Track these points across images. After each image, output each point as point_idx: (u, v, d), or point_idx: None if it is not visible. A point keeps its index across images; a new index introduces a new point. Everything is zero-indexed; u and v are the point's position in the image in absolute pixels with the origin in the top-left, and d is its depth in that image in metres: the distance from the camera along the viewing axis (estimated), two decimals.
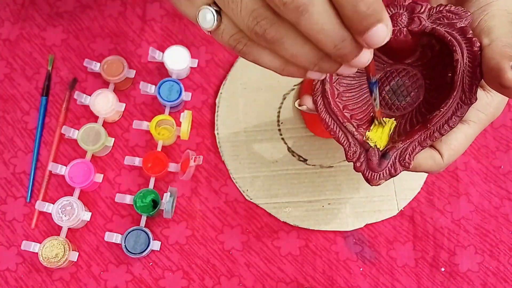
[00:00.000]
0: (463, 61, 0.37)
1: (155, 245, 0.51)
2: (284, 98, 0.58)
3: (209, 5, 0.31)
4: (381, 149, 0.39)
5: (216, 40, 0.32)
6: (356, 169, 0.39)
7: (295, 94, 0.58)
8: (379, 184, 0.39)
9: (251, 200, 0.55)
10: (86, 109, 0.57)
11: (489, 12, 0.39)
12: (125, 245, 0.51)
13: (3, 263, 0.53)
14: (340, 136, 0.40)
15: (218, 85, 0.59)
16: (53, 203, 0.52)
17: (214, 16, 0.30)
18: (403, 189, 0.55)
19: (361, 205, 0.55)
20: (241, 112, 0.58)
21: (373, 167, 0.39)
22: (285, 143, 0.57)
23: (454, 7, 0.38)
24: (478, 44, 0.37)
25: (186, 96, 0.57)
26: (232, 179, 0.56)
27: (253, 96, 0.58)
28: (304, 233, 0.55)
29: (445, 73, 0.40)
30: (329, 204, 0.55)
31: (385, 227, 0.55)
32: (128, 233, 0.51)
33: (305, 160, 0.56)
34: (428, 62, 0.42)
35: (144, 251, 0.51)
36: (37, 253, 0.50)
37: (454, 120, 0.37)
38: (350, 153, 0.39)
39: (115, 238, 0.51)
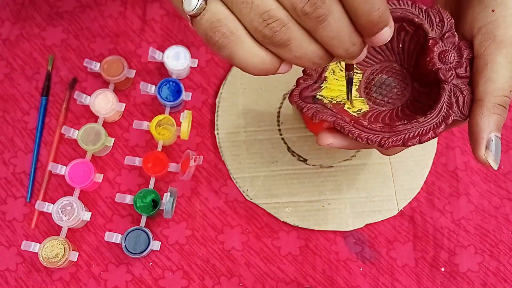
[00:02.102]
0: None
1: (155, 245, 0.51)
2: (284, 98, 0.58)
3: None
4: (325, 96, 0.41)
5: (193, 27, 0.31)
6: (297, 83, 0.41)
7: None
8: (292, 103, 0.41)
9: (251, 200, 0.55)
10: (86, 109, 0.57)
11: (497, 36, 0.38)
12: (125, 245, 0.51)
13: (3, 263, 0.53)
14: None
15: (218, 85, 0.59)
16: (53, 203, 0.52)
17: (198, 1, 0.30)
18: (403, 189, 0.55)
19: (361, 205, 0.55)
20: (241, 112, 0.58)
21: (303, 94, 0.41)
22: (285, 143, 0.57)
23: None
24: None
25: (186, 96, 0.57)
26: (232, 179, 0.56)
27: (253, 96, 0.58)
28: (304, 233, 0.55)
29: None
30: (329, 204, 0.55)
31: (385, 227, 0.55)
32: (128, 233, 0.51)
33: (305, 160, 0.56)
34: (426, 93, 0.42)
35: (144, 251, 0.51)
36: (37, 253, 0.50)
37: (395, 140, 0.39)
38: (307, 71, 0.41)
39: (115, 238, 0.51)
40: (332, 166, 0.56)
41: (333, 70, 0.42)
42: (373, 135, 0.39)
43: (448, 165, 0.57)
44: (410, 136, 0.38)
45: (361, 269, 0.54)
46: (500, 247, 0.54)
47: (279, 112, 0.58)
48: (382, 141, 0.38)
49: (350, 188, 0.56)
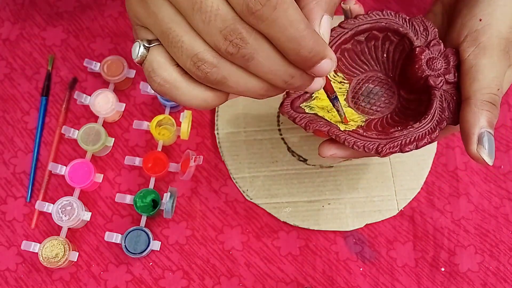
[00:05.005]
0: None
1: (155, 245, 0.51)
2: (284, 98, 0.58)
3: (145, 40, 0.31)
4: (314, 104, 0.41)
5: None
6: (287, 94, 0.41)
7: None
8: (283, 113, 0.41)
9: (251, 200, 0.55)
10: (86, 109, 0.57)
11: (481, 43, 0.39)
12: (125, 245, 0.51)
13: (3, 263, 0.53)
14: None
15: None
16: (53, 203, 0.52)
17: (139, 50, 0.31)
18: (403, 189, 0.55)
19: (361, 205, 0.55)
20: (241, 112, 0.58)
21: (294, 104, 0.41)
22: (285, 143, 0.57)
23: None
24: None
25: None
26: (232, 179, 0.56)
27: None
28: (304, 233, 0.55)
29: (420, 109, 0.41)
30: (329, 204, 0.55)
31: (385, 227, 0.55)
32: (128, 233, 0.51)
33: (305, 160, 0.56)
34: (414, 101, 0.43)
35: (144, 251, 0.51)
36: (37, 253, 0.50)
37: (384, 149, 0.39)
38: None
39: (115, 238, 0.52)
40: (332, 166, 0.56)
41: None
42: (369, 142, 0.39)
43: (448, 165, 0.57)
44: (407, 141, 0.38)
45: (361, 269, 0.54)
46: (500, 247, 0.54)
47: (279, 112, 0.58)
48: (379, 148, 0.38)
49: (350, 188, 0.56)
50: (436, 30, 0.41)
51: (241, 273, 0.53)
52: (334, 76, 0.43)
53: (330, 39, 0.41)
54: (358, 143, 0.39)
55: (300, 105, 0.41)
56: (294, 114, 0.40)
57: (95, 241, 0.54)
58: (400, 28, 0.41)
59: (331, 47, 0.40)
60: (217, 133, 0.57)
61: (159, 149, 0.55)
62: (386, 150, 0.38)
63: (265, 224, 0.55)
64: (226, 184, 0.56)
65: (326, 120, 0.40)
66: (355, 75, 0.44)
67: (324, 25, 0.33)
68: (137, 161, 0.54)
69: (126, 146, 0.57)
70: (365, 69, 0.44)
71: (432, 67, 0.40)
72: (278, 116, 0.58)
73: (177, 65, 0.31)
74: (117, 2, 0.62)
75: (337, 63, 0.43)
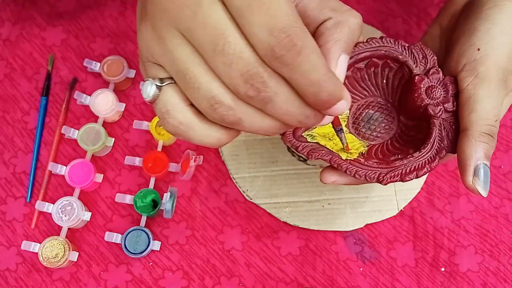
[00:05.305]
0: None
1: (155, 245, 0.52)
2: None
3: (157, 78, 0.31)
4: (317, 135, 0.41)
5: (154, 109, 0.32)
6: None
7: None
8: (286, 142, 0.40)
9: (251, 200, 0.55)
10: (86, 109, 0.57)
11: (480, 73, 0.39)
12: (125, 245, 0.51)
13: (3, 263, 0.53)
14: None
15: None
16: (53, 203, 0.52)
17: (150, 89, 0.31)
18: (403, 189, 0.55)
19: (361, 205, 0.55)
20: None
21: (296, 133, 0.41)
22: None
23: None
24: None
25: None
26: (232, 179, 0.56)
27: None
28: (304, 233, 0.55)
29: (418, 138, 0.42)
30: (329, 204, 0.55)
31: (385, 227, 0.55)
32: (128, 233, 0.51)
33: (305, 160, 0.56)
34: (413, 128, 0.43)
35: (144, 251, 0.51)
36: (37, 253, 0.50)
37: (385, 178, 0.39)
38: None
39: (115, 238, 0.52)
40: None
41: None
42: (370, 171, 0.39)
43: (448, 165, 0.57)
44: (407, 171, 0.39)
45: (361, 269, 0.54)
46: (500, 247, 0.54)
47: None
48: (380, 177, 0.39)
49: (350, 188, 0.56)
50: (435, 58, 0.41)
51: (241, 273, 0.53)
52: None
53: None
54: (360, 172, 0.39)
55: (302, 134, 0.41)
56: (297, 143, 0.40)
57: (95, 241, 0.54)
58: (400, 56, 0.41)
59: None
60: None
61: (159, 149, 0.55)
62: (387, 179, 0.39)
63: (265, 224, 0.55)
64: (226, 184, 0.56)
65: (327, 149, 0.40)
66: (355, 100, 0.44)
67: (341, 65, 0.33)
68: (137, 161, 0.54)
69: (126, 146, 0.57)
70: (365, 95, 0.44)
71: (431, 95, 0.40)
72: None
73: (191, 104, 0.31)
74: (117, 2, 0.62)
75: None
